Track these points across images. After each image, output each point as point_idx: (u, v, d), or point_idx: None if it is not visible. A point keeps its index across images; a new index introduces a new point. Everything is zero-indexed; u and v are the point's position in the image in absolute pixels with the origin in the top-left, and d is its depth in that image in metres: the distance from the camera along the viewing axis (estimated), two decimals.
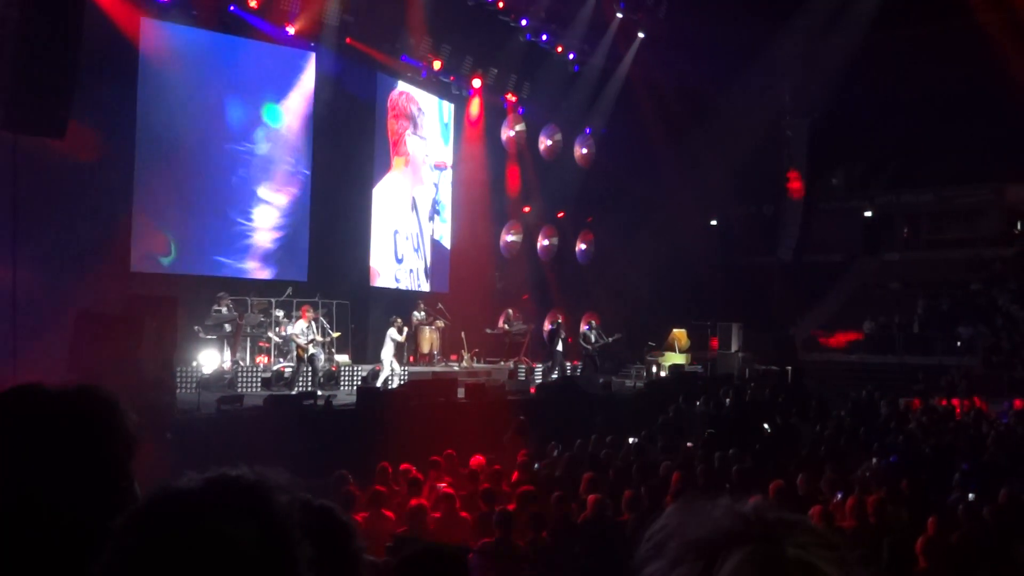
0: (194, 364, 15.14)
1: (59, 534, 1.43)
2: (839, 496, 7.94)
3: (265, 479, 1.17)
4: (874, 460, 10.28)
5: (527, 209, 24.66)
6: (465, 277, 22.66)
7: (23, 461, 1.48)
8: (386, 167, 20.86)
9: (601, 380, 18.71)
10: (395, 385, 16.02)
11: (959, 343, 24.46)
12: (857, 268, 29.03)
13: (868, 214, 30.54)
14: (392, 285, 20.99)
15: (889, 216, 30.58)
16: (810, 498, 7.82)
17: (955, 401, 17.90)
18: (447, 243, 22.98)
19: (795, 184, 26.41)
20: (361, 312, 19.07)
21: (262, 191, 18.23)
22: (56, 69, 10.00)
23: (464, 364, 19.20)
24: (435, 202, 22.62)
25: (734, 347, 23.71)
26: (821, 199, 28.19)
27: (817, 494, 8.10)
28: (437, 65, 20.87)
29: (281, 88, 18.50)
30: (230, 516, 1.06)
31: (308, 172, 18.83)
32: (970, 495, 8.33)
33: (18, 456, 1.48)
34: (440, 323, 19.65)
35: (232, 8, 16.99)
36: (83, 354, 10.88)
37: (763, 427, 13.65)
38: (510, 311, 22.68)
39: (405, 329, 17.39)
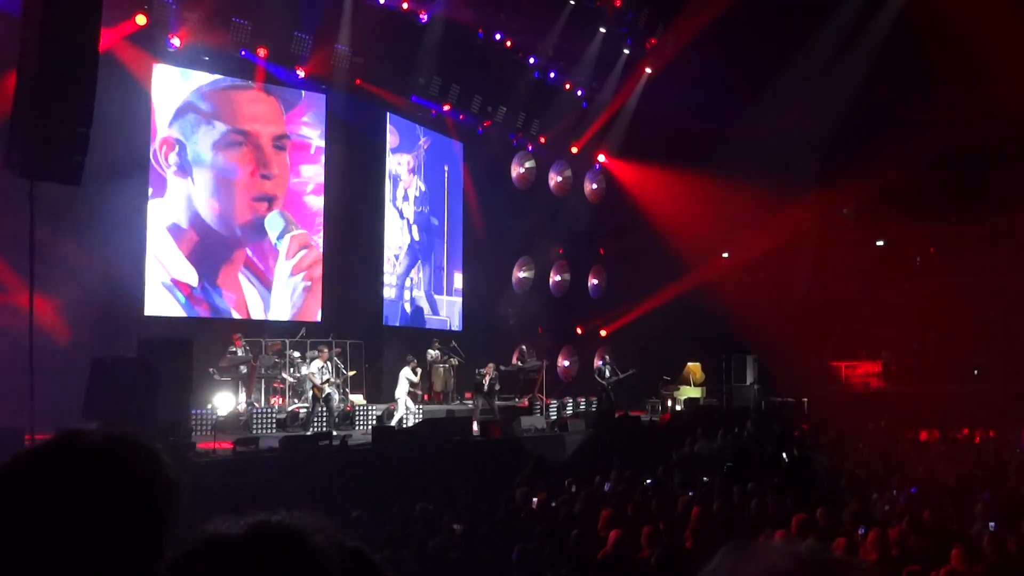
0: (209, 406, 15.17)
1: None
2: (861, 530, 7.85)
3: (303, 523, 1.18)
4: (894, 492, 10.18)
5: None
6: (479, 315, 22.69)
7: (69, 510, 1.49)
8: (397, 208, 20.97)
9: (618, 415, 18.66)
10: (410, 424, 15.98)
11: (976, 371, 24.29)
12: (872, 297, 28.90)
13: (880, 243, 30.50)
14: (404, 324, 21.01)
15: (901, 244, 30.51)
16: (831, 531, 7.74)
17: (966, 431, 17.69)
18: (459, 281, 23.02)
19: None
20: (374, 351, 19.09)
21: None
22: (72, 116, 10.13)
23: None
24: (445, 240, 22.69)
25: (749, 379, 23.59)
26: (832, 229, 28.19)
27: (838, 527, 8.02)
28: (447, 106, 21.09)
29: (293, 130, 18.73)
30: (274, 562, 1.07)
31: (320, 214, 18.97)
32: (991, 525, 8.23)
33: (64, 504, 1.49)
34: (454, 361, 19.64)
35: (243, 52, 17.22)
36: (100, 398, 10.92)
37: (781, 459, 13.55)
38: (523, 347, 22.68)
39: (419, 370, 17.40)
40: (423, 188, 21.95)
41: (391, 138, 20.92)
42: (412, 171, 21.52)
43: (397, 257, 20.82)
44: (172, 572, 1.08)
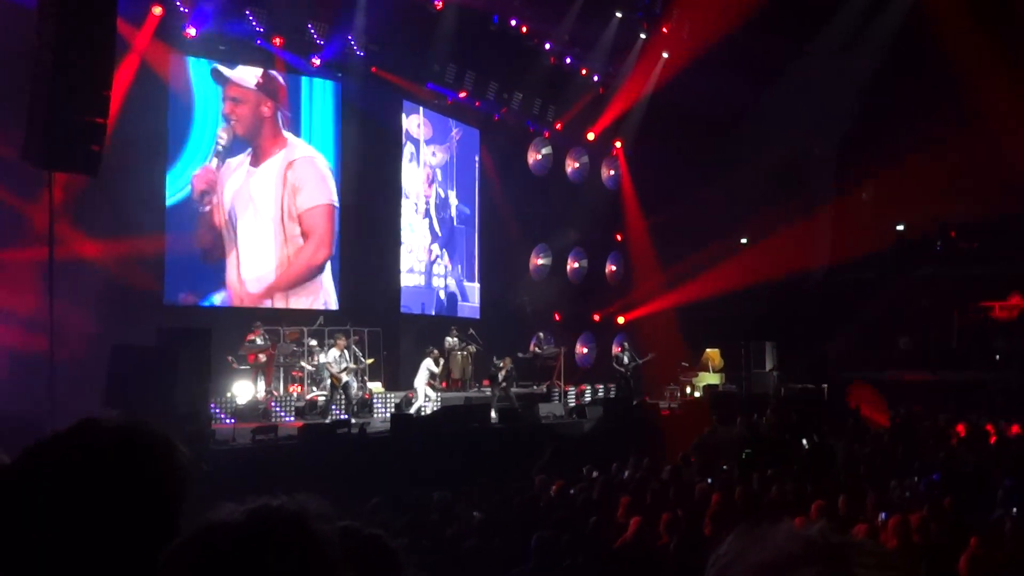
0: (228, 395, 15.27)
1: (115, 570, 1.45)
2: (883, 516, 7.80)
3: (305, 509, 1.18)
4: (915, 478, 10.11)
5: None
6: (496, 302, 22.71)
7: (85, 499, 1.49)
8: (414, 195, 21.00)
9: (635, 401, 18.65)
10: (428, 412, 16.03)
11: (998, 357, 24.06)
12: (890, 283, 28.65)
13: (900, 228, 30.21)
14: (427, 313, 21.08)
15: (922, 230, 30.19)
16: (852, 518, 7.69)
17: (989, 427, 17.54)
18: (477, 268, 23.05)
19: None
20: (392, 339, 19.14)
21: None
22: (89, 107, 10.17)
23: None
24: (464, 227, 22.72)
25: (768, 366, 23.50)
26: (850, 215, 27.92)
27: (859, 514, 7.97)
28: (463, 93, 21.05)
29: (307, 117, 18.73)
30: (272, 548, 1.07)
31: (337, 203, 18.99)
32: (1013, 510, 8.16)
33: (80, 494, 1.49)
34: (472, 348, 19.67)
35: (259, 42, 17.24)
36: (120, 387, 11.00)
37: (800, 445, 13.49)
38: (540, 334, 22.66)
39: (442, 360, 17.43)
40: (455, 178, 22.05)
41: (425, 130, 21.06)
42: (443, 163, 21.67)
43: (415, 246, 20.87)
44: (170, 559, 1.08)
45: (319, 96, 18.94)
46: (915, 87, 24.12)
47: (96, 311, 13.20)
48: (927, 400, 19.52)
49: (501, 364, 18.20)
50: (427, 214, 21.42)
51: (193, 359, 12.07)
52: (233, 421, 14.08)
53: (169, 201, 16.49)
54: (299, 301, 18.37)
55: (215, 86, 17.26)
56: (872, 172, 26.26)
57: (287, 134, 18.34)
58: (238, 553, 1.06)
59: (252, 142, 17.80)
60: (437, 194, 21.80)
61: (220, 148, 17.30)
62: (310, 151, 18.75)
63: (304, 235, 18.43)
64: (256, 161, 17.80)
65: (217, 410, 14.42)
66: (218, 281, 17.23)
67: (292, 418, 15.27)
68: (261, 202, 17.87)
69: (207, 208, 17.13)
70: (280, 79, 18.18)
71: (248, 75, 17.72)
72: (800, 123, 24.21)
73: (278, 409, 15.41)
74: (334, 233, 18.93)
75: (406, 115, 20.68)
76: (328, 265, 18.88)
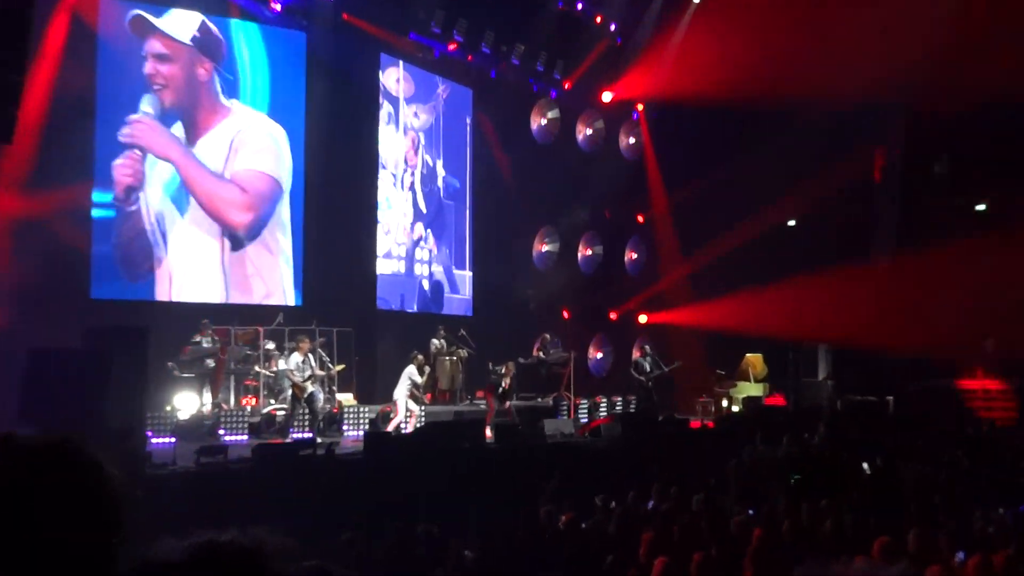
0: (168, 408, 15.25)
1: None
2: (960, 556, 7.79)
3: (261, 545, 1.15)
4: (1000, 510, 10.11)
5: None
6: (492, 297, 22.69)
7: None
8: (392, 163, 20.97)
9: (660, 417, 18.65)
10: (410, 429, 16.02)
11: None
12: (971, 271, 28.56)
13: (981, 208, 30.17)
14: (407, 309, 21.07)
15: (1007, 209, 30.14)
16: (923, 558, 7.68)
17: None
18: (469, 253, 23.04)
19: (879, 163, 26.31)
20: (367, 341, 19.12)
21: None
22: (4, 64, 10.16)
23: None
24: (452, 203, 22.70)
25: (821, 373, 23.50)
26: (922, 192, 27.87)
27: (932, 552, 7.96)
28: (452, 46, 21.01)
29: (266, 73, 18.67)
30: None
31: (285, 150, 18.90)
32: None
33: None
34: (463, 352, 19.64)
35: None
36: (39, 398, 10.97)
37: (861, 470, 13.49)
38: (546, 335, 22.66)
39: (427, 368, 17.41)
40: (440, 145, 22.05)
41: (405, 86, 20.99)
42: (427, 126, 21.67)
43: (393, 229, 20.85)
44: None
45: (279, 50, 18.81)
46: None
47: (8, 306, 13.17)
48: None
49: (503, 371, 18.14)
50: (410, 187, 21.39)
51: (127, 365, 12.03)
52: (174, 440, 14.06)
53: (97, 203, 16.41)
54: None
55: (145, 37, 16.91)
56: (949, 140, 26.17)
57: (230, 102, 18.11)
58: None
59: (184, 115, 17.49)
60: (425, 163, 21.77)
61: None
62: (262, 120, 18.59)
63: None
64: (191, 139, 17.55)
65: (154, 428, 14.38)
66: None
67: (245, 437, 15.25)
68: (200, 194, 17.59)
69: (133, 208, 16.87)
70: (218, 32, 17.87)
71: (182, 25, 17.36)
72: (859, 80, 24.10)
73: (224, 431, 15.34)
74: (264, 210, 18.63)
75: (383, 70, 20.64)
76: (286, 251, 18.81)
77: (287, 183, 18.87)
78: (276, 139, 18.81)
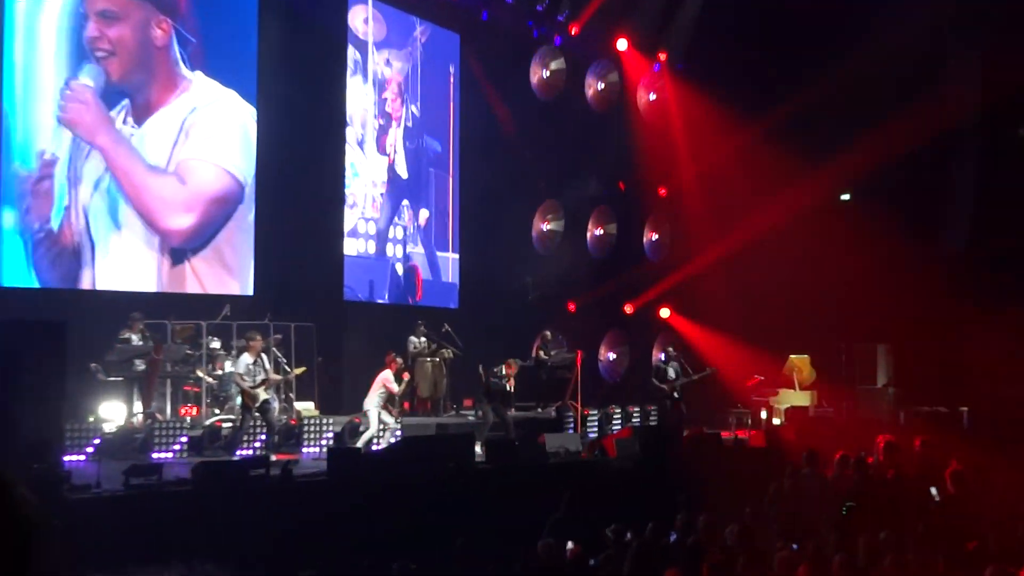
0: (92, 419, 15.24)
1: None
2: None
3: None
4: None
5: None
6: (482, 285, 22.70)
7: None
8: (359, 121, 20.94)
9: (686, 432, 18.68)
10: (384, 445, 16.02)
11: None
12: None
13: None
14: (376, 299, 21.07)
15: None
16: None
17: None
18: (452, 233, 23.04)
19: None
20: (332, 339, 19.15)
21: None
22: None
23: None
24: (434, 171, 22.68)
25: (880, 380, 23.53)
26: (1005, 159, 27.87)
27: None
28: None
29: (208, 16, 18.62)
30: None
31: (252, 139, 18.91)
32: None
33: None
34: (447, 353, 19.64)
35: None
36: None
37: (929, 496, 13.52)
38: (547, 332, 22.66)
39: (407, 375, 17.36)
40: (419, 100, 22.05)
41: (376, 27, 20.96)
42: (403, 76, 21.60)
43: (364, 204, 20.82)
44: None
45: None
46: None
47: None
48: None
49: (504, 371, 18.03)
50: (383, 150, 21.33)
51: (41, 367, 12.03)
52: (98, 458, 14.04)
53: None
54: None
55: None
56: None
57: (193, 73, 17.97)
58: None
59: (134, 90, 17.27)
60: (411, 115, 21.73)
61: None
62: (229, 100, 18.46)
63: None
64: (139, 118, 17.31)
65: (74, 442, 14.37)
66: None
67: (184, 454, 15.24)
68: (140, 189, 17.40)
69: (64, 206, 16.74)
70: None
71: None
72: (929, 21, 24.09)
73: (158, 448, 15.31)
74: (213, 214, 18.42)
75: (349, 8, 20.65)
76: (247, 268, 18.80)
77: (250, 182, 18.75)
78: (244, 126, 18.73)
